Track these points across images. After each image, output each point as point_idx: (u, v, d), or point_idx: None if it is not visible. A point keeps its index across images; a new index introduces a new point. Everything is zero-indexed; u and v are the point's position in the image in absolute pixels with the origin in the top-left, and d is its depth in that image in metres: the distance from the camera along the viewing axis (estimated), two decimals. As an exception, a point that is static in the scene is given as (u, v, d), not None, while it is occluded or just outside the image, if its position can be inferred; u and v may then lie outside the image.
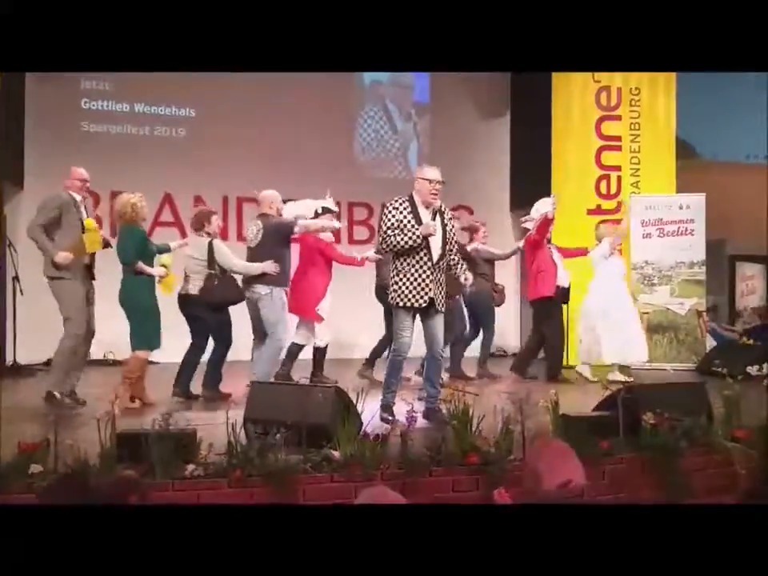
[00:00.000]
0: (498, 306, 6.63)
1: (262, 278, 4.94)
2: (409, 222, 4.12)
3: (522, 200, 8.72)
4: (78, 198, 4.71)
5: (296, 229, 5.17)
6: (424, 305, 4.16)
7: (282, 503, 2.81)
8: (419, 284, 4.14)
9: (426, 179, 4.17)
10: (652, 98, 7.57)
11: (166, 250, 5.09)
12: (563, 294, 6.26)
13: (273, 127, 7.88)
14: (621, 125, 7.55)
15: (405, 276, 4.15)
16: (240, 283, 5.07)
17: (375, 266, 5.85)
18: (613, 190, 7.54)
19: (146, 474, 2.81)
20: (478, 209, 8.30)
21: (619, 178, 7.53)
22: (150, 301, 4.72)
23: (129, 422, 3.49)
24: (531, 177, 8.19)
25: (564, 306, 6.41)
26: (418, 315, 4.23)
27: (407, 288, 4.14)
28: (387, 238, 4.14)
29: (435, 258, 4.17)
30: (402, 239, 4.09)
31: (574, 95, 7.58)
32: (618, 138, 7.54)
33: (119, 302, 4.72)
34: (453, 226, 4.38)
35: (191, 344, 5.05)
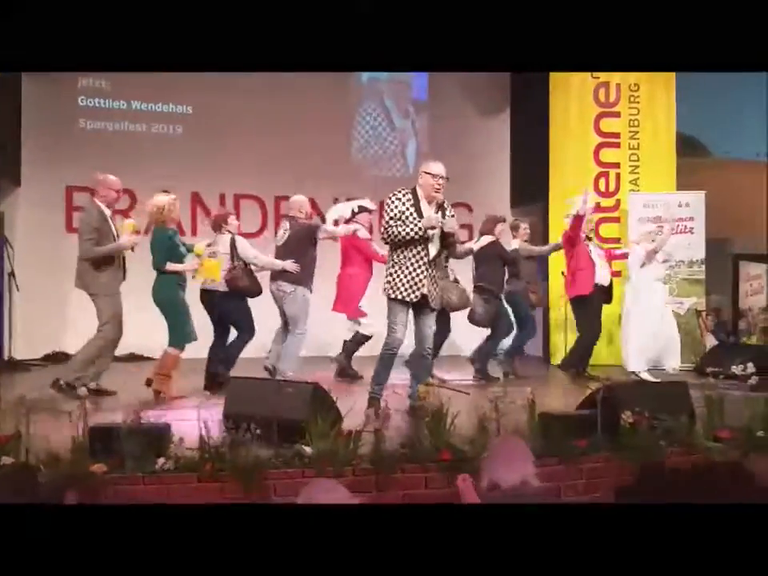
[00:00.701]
0: (535, 307, 6.36)
1: (287, 276, 5.24)
2: (411, 214, 4.11)
3: (521, 197, 8.67)
4: (108, 212, 4.85)
5: (319, 234, 5.44)
6: (415, 300, 4.14)
7: (250, 499, 2.80)
8: (413, 278, 4.12)
9: (430, 173, 4.16)
10: (651, 95, 7.43)
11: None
12: (604, 293, 6.06)
13: (270, 124, 7.86)
14: (620, 122, 7.41)
15: (400, 269, 4.14)
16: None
17: None
18: (611, 188, 7.44)
19: (116, 468, 2.83)
20: (478, 206, 8.24)
21: (618, 176, 7.43)
22: (177, 297, 4.86)
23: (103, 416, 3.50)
24: (531, 174, 8.12)
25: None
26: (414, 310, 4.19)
27: (401, 281, 4.13)
28: (389, 228, 4.12)
29: (432, 253, 4.15)
30: (404, 230, 4.07)
31: (573, 92, 7.46)
32: (617, 135, 7.41)
33: (153, 299, 4.87)
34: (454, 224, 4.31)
35: (236, 336, 5.21)
